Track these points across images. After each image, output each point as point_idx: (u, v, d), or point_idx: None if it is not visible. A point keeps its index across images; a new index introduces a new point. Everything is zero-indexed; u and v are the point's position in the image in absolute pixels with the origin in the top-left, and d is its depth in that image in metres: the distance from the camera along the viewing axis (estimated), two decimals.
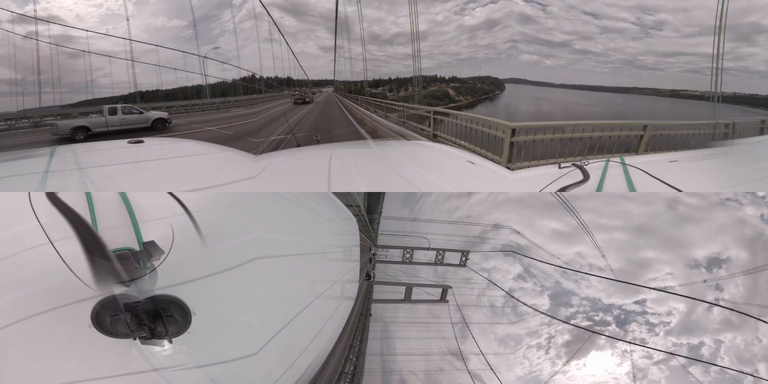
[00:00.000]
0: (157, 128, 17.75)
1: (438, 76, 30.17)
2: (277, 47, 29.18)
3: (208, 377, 1.93)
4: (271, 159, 3.49)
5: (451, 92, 29.94)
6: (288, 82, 31.71)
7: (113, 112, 16.44)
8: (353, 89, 31.49)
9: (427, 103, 26.11)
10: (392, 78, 30.73)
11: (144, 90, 24.66)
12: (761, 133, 13.07)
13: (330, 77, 34.82)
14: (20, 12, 21.97)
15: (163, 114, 18.54)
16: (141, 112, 17.74)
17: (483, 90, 30.49)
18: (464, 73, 29.55)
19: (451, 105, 28.11)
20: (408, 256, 18.14)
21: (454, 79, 29.99)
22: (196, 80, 25.46)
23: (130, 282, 1.66)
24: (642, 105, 27.59)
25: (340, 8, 28.19)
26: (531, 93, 28.89)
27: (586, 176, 2.96)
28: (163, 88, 24.55)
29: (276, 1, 28.27)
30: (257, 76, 27.92)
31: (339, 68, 33.02)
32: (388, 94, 29.81)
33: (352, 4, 28.03)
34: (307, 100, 28.84)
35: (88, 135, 15.06)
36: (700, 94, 27.12)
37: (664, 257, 20.57)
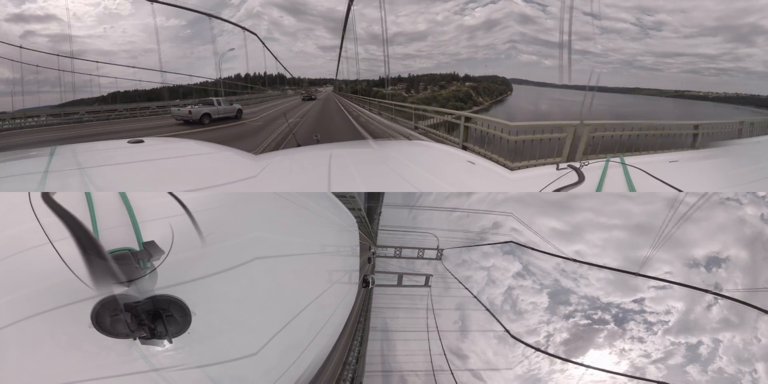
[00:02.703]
0: (238, 117, 20.86)
1: (455, 74, 27.20)
2: (277, 47, 29.13)
3: (209, 377, 1.93)
4: (271, 159, 3.48)
5: (472, 93, 27.39)
6: (292, 82, 31.43)
7: (219, 103, 20.07)
8: (358, 89, 28.87)
9: (452, 106, 23.65)
10: (402, 76, 27.86)
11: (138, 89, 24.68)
12: None
13: (328, 76, 33.97)
14: (17, 11, 21.94)
15: (239, 105, 21.60)
16: (231, 104, 21.08)
17: (498, 90, 28.80)
18: (466, 72, 28.23)
19: (476, 108, 25.91)
20: (398, 252, 22.86)
21: (468, 78, 27.21)
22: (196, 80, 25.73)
23: (130, 282, 1.66)
24: (659, 105, 27.41)
25: (339, 8, 27.88)
26: (543, 93, 28.17)
27: (581, 178, 2.98)
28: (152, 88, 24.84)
29: (276, 1, 28.12)
30: (271, 75, 28.26)
31: (341, 67, 31.83)
32: (405, 94, 26.92)
33: (352, 4, 27.78)
34: (312, 97, 30.70)
35: (211, 120, 18.75)
36: (703, 94, 27.14)
37: (663, 256, 20.60)
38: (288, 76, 30.47)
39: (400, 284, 21.45)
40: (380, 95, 26.09)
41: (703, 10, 24.49)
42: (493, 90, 27.72)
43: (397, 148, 4.79)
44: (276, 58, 28.43)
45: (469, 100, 26.73)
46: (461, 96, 26.81)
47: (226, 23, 26.23)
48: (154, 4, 23.65)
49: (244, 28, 25.78)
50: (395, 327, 21.89)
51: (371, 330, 18.60)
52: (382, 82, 27.52)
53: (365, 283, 15.17)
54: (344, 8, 27.18)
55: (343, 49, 29.11)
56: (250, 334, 2.12)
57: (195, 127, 18.07)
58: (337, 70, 30.93)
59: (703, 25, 24.86)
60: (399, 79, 27.73)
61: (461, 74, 27.37)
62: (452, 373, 18.47)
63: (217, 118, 19.37)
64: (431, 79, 27.70)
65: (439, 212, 24.79)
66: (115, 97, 24.22)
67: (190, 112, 18.71)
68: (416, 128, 15.97)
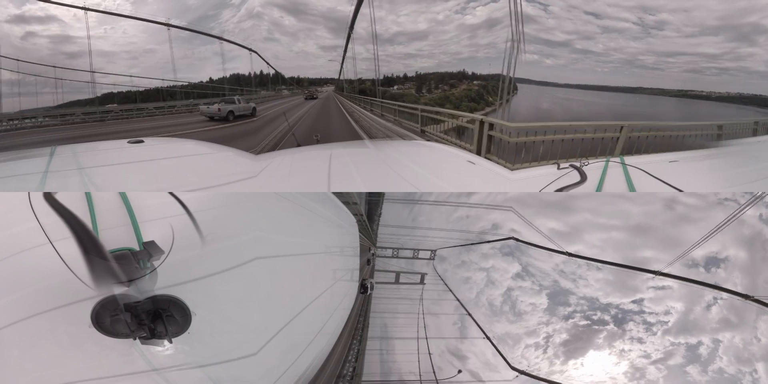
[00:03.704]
0: (253, 114, 22.30)
1: (465, 72, 25.91)
2: (278, 47, 29.10)
3: (209, 377, 1.93)
4: (271, 159, 3.48)
5: (483, 92, 25.86)
6: (291, 82, 31.46)
7: (239, 101, 21.65)
8: (362, 88, 27.33)
9: (465, 108, 22.81)
10: (408, 75, 26.25)
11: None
12: None
13: (329, 76, 33.68)
14: (18, 12, 21.93)
15: (254, 104, 23.03)
16: (248, 102, 22.60)
17: (506, 89, 27.95)
18: (472, 71, 27.41)
19: (488, 109, 25.76)
20: (395, 253, 24.74)
21: (475, 76, 25.92)
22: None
23: (130, 282, 1.66)
24: (663, 105, 27.27)
25: (340, 8, 27.76)
26: (551, 93, 28.00)
27: (584, 177, 2.98)
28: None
29: (276, 1, 28.09)
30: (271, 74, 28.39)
31: (343, 68, 31.27)
32: (416, 94, 25.59)
33: (352, 4, 27.69)
34: (314, 96, 31.39)
35: (234, 117, 20.49)
36: (706, 94, 27.10)
37: (662, 256, 20.58)
38: (286, 76, 30.36)
39: (397, 282, 23.44)
40: (389, 95, 24.73)
41: (704, 9, 24.46)
42: (502, 89, 27.01)
43: (397, 148, 4.78)
44: (270, 64, 28.42)
45: (481, 100, 25.73)
46: (473, 96, 25.83)
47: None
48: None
49: (246, 48, 26.09)
50: (394, 325, 22.05)
51: (370, 329, 18.64)
52: (388, 82, 26.62)
53: (363, 288, 14.46)
54: (344, 8, 27.10)
55: (343, 49, 28.85)
56: (250, 334, 2.12)
57: (221, 123, 19.63)
58: (341, 70, 30.43)
59: (705, 24, 24.84)
60: (406, 78, 26.98)
61: (466, 73, 26.58)
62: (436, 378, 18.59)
63: (238, 115, 21.05)
64: (441, 78, 26.90)
65: (438, 213, 25.11)
66: (117, 98, 24.36)
67: (219, 109, 20.50)
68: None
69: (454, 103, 24.60)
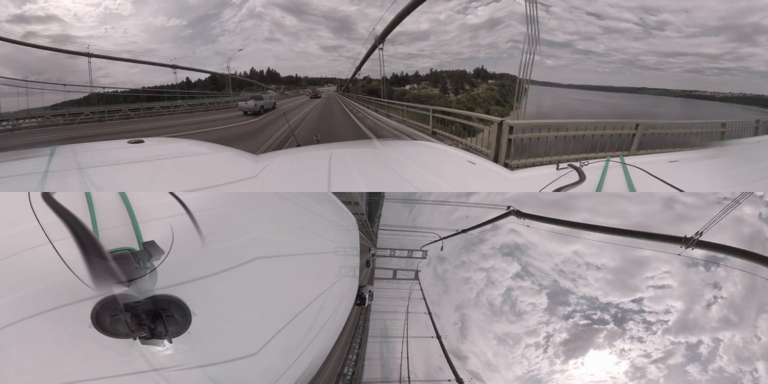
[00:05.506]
0: (274, 108, 24.76)
1: (484, 69, 24.71)
2: (279, 48, 29.15)
3: (209, 377, 1.93)
4: (271, 159, 3.48)
5: (506, 93, 24.45)
6: (289, 81, 31.52)
7: (266, 98, 24.64)
8: (372, 88, 25.76)
9: (495, 112, 21.46)
10: (420, 74, 25.32)
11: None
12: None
13: (329, 76, 33.58)
14: (18, 12, 21.94)
15: (274, 100, 25.66)
16: (270, 98, 25.25)
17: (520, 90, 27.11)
18: (480, 71, 26.82)
19: (513, 113, 25.13)
20: (392, 253, 27.33)
21: (487, 75, 24.87)
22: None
23: (130, 282, 1.66)
24: (668, 106, 27.16)
25: (341, 8, 27.78)
26: (560, 93, 27.72)
27: (582, 177, 2.99)
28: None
29: (277, 1, 28.10)
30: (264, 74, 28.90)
31: (343, 67, 31.03)
32: (441, 94, 23.86)
33: (354, 4, 27.67)
34: (318, 95, 32.18)
35: (264, 110, 23.18)
36: (710, 94, 27.10)
37: (661, 256, 20.56)
38: (282, 75, 30.58)
39: (395, 278, 26.07)
40: (410, 96, 23.03)
41: (705, 9, 24.46)
42: (514, 90, 26.40)
43: (397, 148, 4.78)
44: (268, 88, 28.95)
45: (506, 103, 24.14)
46: (497, 97, 24.57)
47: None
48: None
49: (246, 79, 27.02)
50: (394, 325, 22.13)
51: (371, 329, 18.64)
52: (398, 81, 25.70)
53: (360, 299, 13.13)
54: (346, 8, 27.10)
55: (341, 49, 28.67)
56: (250, 334, 2.12)
57: (253, 117, 22.02)
58: (356, 72, 29.57)
59: (706, 24, 24.84)
60: (417, 77, 26.46)
61: (486, 71, 25.56)
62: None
63: (265, 109, 23.77)
64: (461, 77, 25.85)
65: (438, 213, 25.40)
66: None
67: (255, 104, 23.26)
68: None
69: (483, 107, 24.03)
